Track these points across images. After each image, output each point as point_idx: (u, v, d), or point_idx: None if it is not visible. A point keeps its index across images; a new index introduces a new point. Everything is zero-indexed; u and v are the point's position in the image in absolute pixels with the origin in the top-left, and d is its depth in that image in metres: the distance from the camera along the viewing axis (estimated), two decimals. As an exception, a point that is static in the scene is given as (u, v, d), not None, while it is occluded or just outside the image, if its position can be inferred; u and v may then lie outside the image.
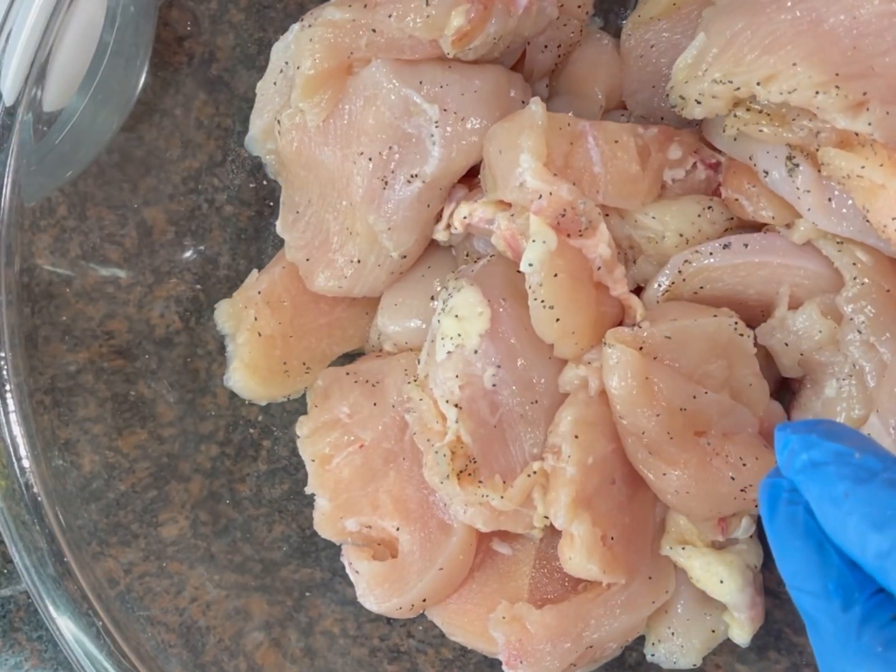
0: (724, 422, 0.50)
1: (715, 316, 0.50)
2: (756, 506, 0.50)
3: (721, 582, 0.51)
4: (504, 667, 0.51)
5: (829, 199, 0.49)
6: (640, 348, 0.48)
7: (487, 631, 0.51)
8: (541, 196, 0.48)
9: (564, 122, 0.50)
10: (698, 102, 0.49)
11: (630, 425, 0.48)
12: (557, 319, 0.49)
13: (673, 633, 0.54)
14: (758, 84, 0.47)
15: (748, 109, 0.48)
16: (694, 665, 0.54)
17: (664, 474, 0.49)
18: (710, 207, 0.52)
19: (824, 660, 0.33)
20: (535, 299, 0.49)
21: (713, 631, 0.54)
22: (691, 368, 0.49)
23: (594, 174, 0.50)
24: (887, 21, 0.46)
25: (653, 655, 0.54)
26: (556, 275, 0.48)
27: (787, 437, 0.35)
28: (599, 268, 0.50)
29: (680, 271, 0.51)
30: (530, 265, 0.48)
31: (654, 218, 0.52)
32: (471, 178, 0.53)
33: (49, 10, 0.49)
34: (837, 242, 0.49)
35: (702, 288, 0.52)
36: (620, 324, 0.51)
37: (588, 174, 0.50)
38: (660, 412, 0.48)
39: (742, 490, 0.49)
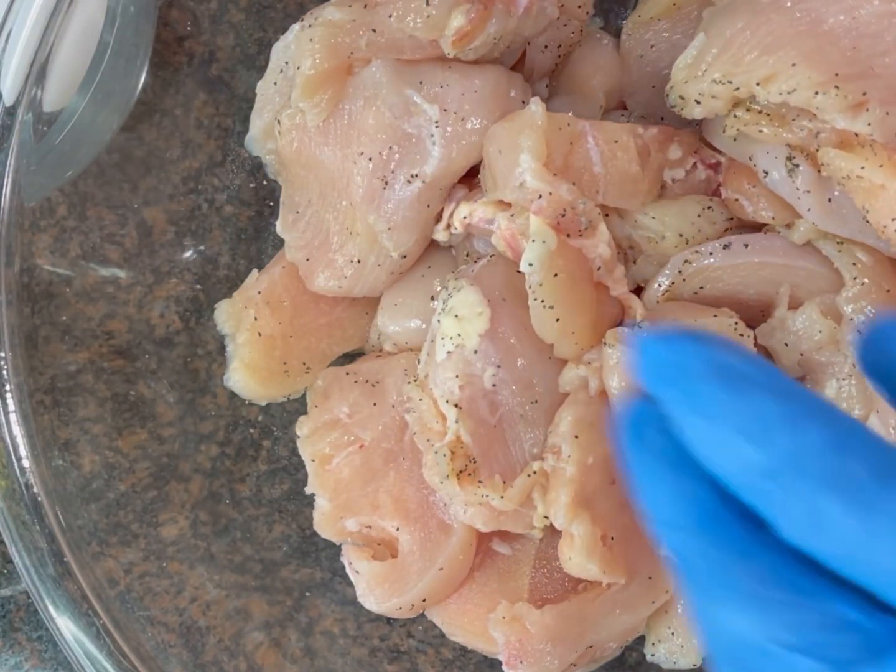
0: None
1: (715, 316, 0.50)
2: None
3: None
4: (504, 667, 0.51)
5: (829, 200, 0.49)
6: (641, 348, 0.48)
7: (487, 631, 0.51)
8: (540, 196, 0.48)
9: (564, 122, 0.50)
10: (698, 102, 0.49)
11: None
12: (557, 319, 0.49)
13: (673, 633, 0.54)
14: (757, 84, 0.46)
15: (748, 110, 0.48)
16: (694, 665, 0.54)
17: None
18: (709, 207, 0.52)
19: (696, 602, 0.29)
20: (535, 299, 0.49)
21: (713, 631, 0.54)
22: (692, 368, 0.49)
23: (594, 174, 0.50)
24: (887, 21, 0.46)
25: (653, 655, 0.54)
26: (556, 275, 0.48)
27: (651, 345, 0.30)
28: (599, 268, 0.49)
29: (680, 271, 0.51)
30: (530, 265, 0.48)
31: (653, 218, 0.52)
32: (471, 178, 0.53)
33: (49, 10, 0.49)
34: (838, 242, 0.49)
35: (702, 288, 0.52)
36: (620, 324, 0.51)
37: (588, 174, 0.50)
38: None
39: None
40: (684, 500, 0.29)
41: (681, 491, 0.30)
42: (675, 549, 0.30)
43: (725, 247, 0.51)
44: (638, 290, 0.53)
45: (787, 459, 0.27)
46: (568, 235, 0.49)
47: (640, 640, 0.55)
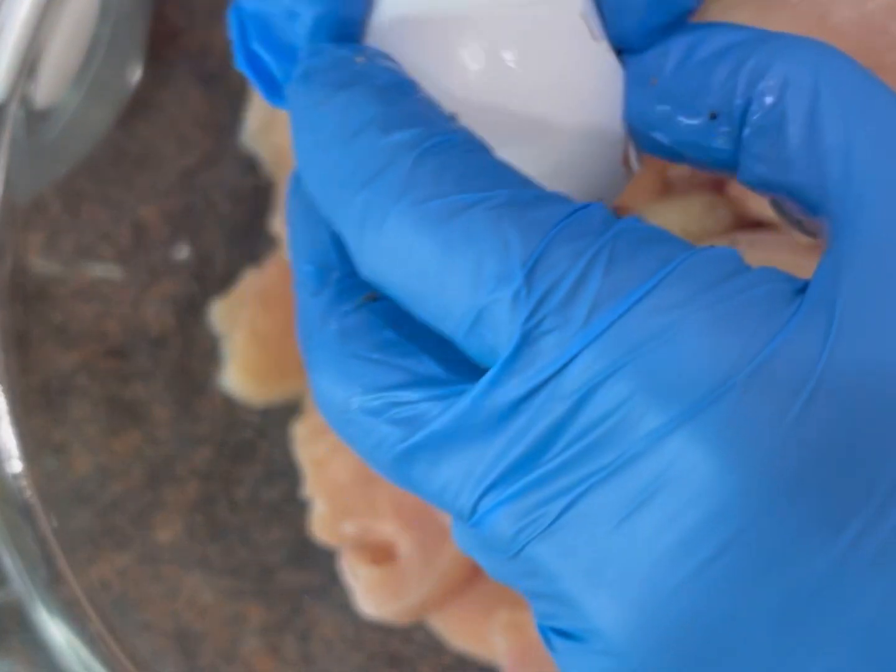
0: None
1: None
2: None
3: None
4: (505, 673, 0.51)
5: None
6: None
7: (488, 637, 0.51)
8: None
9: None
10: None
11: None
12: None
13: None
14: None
15: (754, 105, 0.48)
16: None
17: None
18: (715, 205, 0.52)
19: (304, 351, 0.28)
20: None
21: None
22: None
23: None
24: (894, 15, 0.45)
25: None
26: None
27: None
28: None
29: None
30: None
31: (657, 216, 0.51)
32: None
33: (41, 3, 0.49)
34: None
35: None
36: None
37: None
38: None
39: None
40: (308, 245, 0.29)
41: (309, 234, 0.29)
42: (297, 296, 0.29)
43: (731, 244, 0.50)
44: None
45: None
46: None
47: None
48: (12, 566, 0.50)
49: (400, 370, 0.25)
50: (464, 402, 0.24)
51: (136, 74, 0.55)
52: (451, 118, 0.26)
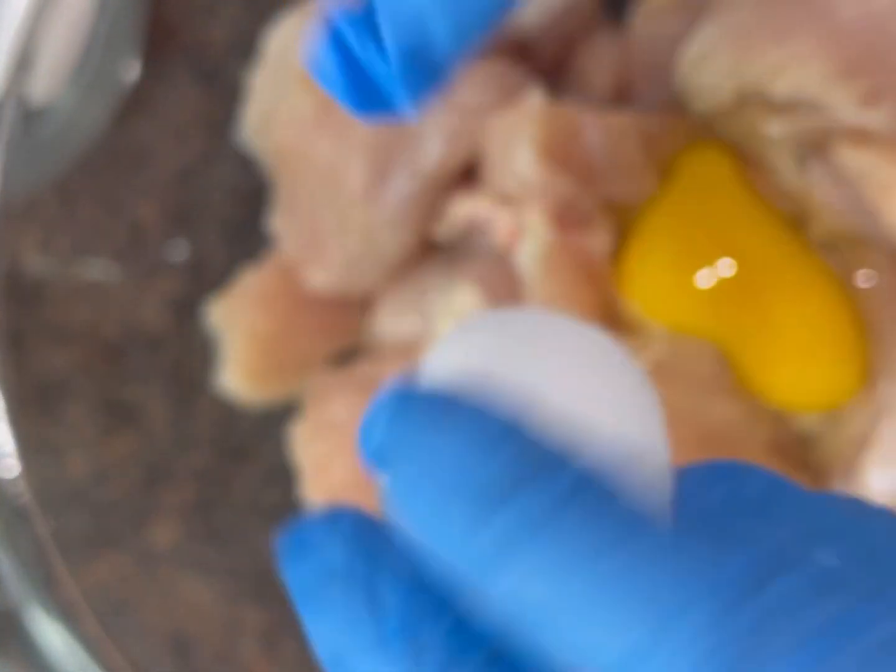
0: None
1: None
2: None
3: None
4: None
5: (840, 198, 0.48)
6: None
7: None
8: (540, 190, 0.47)
9: (564, 114, 0.49)
10: (704, 96, 0.48)
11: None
12: (556, 316, 0.48)
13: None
14: (765, 77, 0.46)
15: (757, 104, 0.48)
16: None
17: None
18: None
19: None
20: (533, 296, 0.48)
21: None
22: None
23: (595, 167, 0.49)
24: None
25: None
26: (554, 269, 0.47)
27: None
28: (601, 263, 0.49)
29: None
30: (528, 260, 0.48)
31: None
32: (471, 173, 0.53)
33: (37, 1, 0.49)
34: (850, 245, 0.49)
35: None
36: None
37: (589, 167, 0.49)
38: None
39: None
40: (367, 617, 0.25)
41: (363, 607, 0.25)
42: None
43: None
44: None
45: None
46: (568, 230, 0.48)
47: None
48: (8, 568, 0.50)
49: None
50: None
51: (132, 72, 0.55)
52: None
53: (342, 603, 0.25)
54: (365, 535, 0.27)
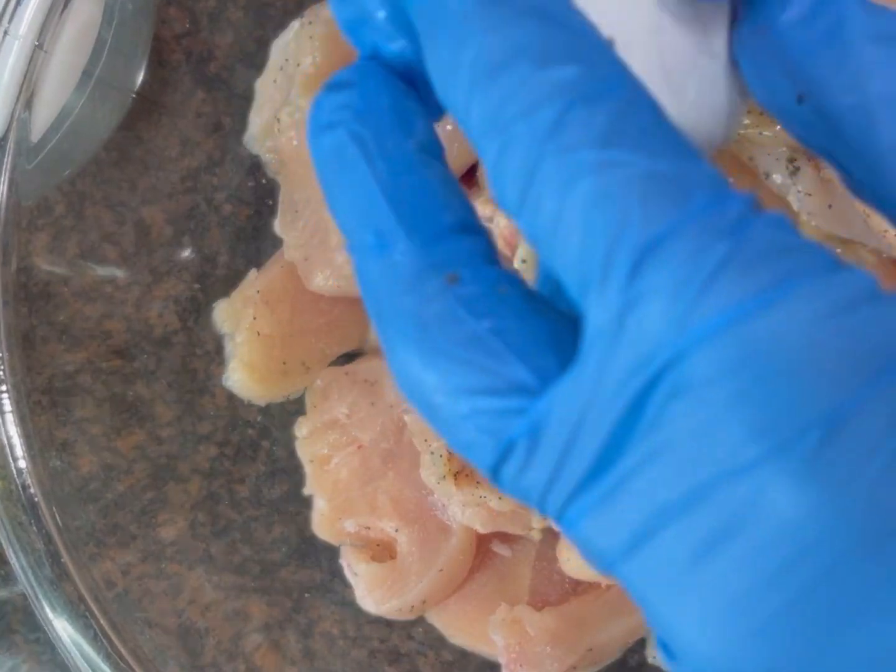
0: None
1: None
2: None
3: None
4: (504, 670, 0.50)
5: (830, 206, 0.48)
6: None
7: (487, 633, 0.51)
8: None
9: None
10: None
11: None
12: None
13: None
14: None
15: (749, 112, 0.48)
16: (695, 668, 0.54)
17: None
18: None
19: (377, 326, 0.25)
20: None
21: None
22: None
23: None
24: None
25: (654, 658, 0.54)
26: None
27: None
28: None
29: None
30: (523, 262, 0.48)
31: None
32: (470, 176, 0.53)
33: (46, 6, 0.49)
34: (841, 242, 0.49)
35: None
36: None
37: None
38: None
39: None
40: (364, 202, 0.25)
41: (361, 191, 0.25)
42: (360, 270, 0.25)
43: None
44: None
45: (519, 101, 0.22)
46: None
47: (642, 642, 0.54)
48: (17, 563, 0.50)
49: (486, 373, 0.23)
50: (547, 403, 0.22)
51: (139, 77, 0.55)
52: (609, 45, 0.24)
53: (356, 178, 0.25)
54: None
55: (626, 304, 0.21)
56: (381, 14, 0.26)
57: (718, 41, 0.27)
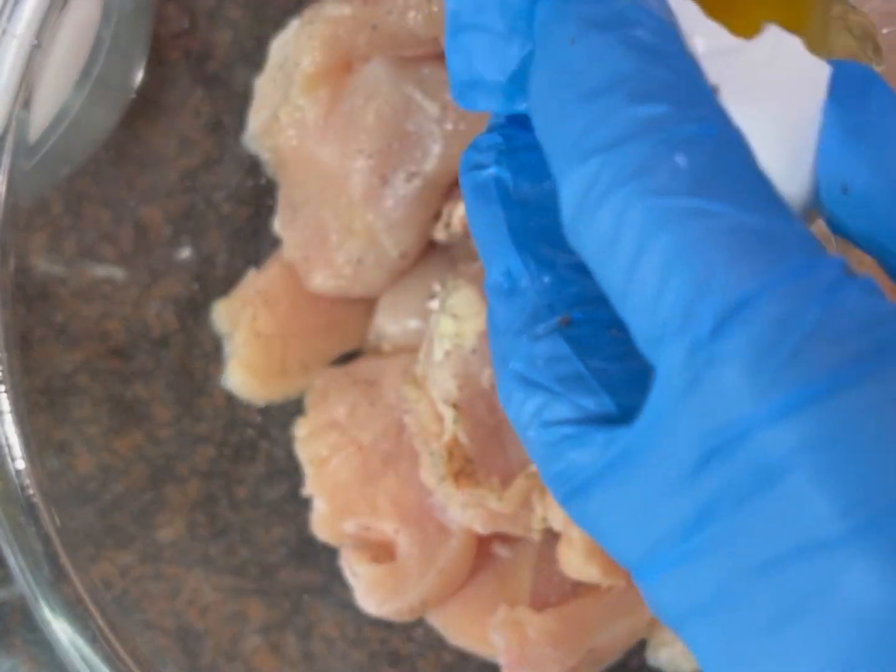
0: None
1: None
2: None
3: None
4: (504, 671, 0.51)
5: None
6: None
7: (488, 634, 0.51)
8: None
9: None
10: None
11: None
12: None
13: (675, 638, 0.53)
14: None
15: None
16: (696, 670, 0.54)
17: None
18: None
19: (493, 354, 0.27)
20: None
21: (716, 635, 0.53)
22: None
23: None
24: (885, 22, 0.46)
25: (655, 660, 0.54)
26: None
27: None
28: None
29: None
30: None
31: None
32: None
33: (44, 6, 0.49)
34: (843, 246, 0.49)
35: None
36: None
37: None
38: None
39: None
40: (497, 241, 0.27)
41: (496, 227, 0.27)
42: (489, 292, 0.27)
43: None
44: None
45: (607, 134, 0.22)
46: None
47: (642, 644, 0.55)
48: (15, 565, 0.50)
49: (579, 408, 0.25)
50: (630, 440, 0.23)
51: (138, 76, 0.55)
52: (713, 91, 0.24)
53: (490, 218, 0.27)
54: None
55: (705, 362, 0.21)
56: (500, 78, 0.26)
57: (814, 111, 0.27)
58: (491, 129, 0.28)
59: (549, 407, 0.25)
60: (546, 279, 0.26)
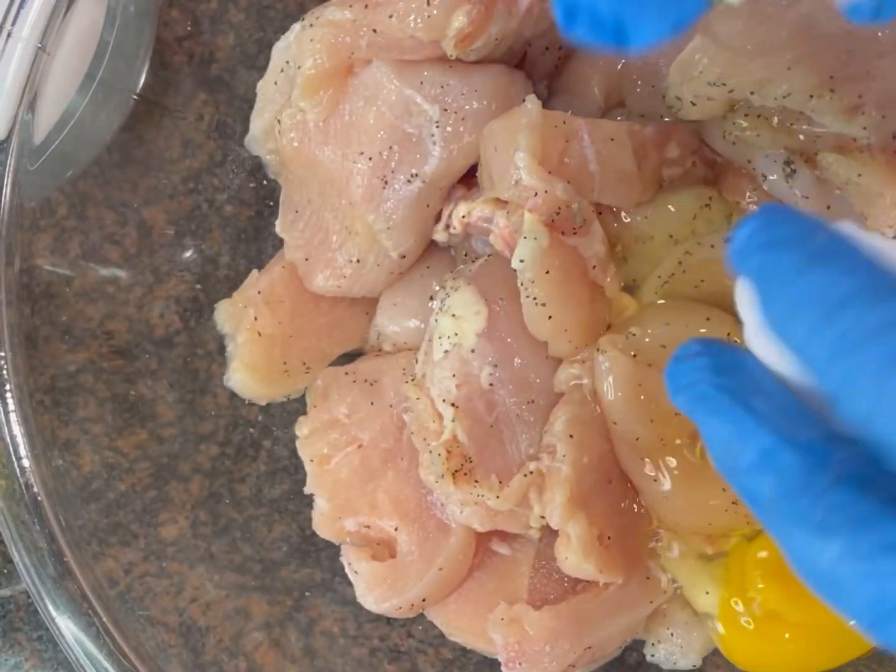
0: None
1: (708, 319, 0.50)
2: (748, 522, 0.50)
3: (707, 593, 0.51)
4: (503, 668, 0.51)
5: (829, 207, 0.49)
6: (634, 355, 0.49)
7: (487, 631, 0.51)
8: (536, 194, 0.48)
9: (560, 120, 0.49)
10: (694, 104, 0.49)
11: (623, 431, 0.48)
12: (550, 317, 0.49)
13: (672, 634, 0.54)
14: (752, 87, 0.46)
15: (746, 115, 0.48)
16: (694, 666, 0.54)
17: (654, 480, 0.49)
18: (707, 205, 0.52)
19: (771, 529, 0.31)
20: (527, 296, 0.49)
21: (713, 632, 0.54)
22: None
23: (589, 172, 0.50)
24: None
25: (653, 656, 0.54)
26: (547, 272, 0.48)
27: (747, 222, 0.33)
28: (594, 266, 0.50)
29: (680, 262, 0.51)
30: (521, 262, 0.48)
31: (645, 218, 0.52)
32: (470, 177, 0.53)
33: (49, 9, 0.49)
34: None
35: (702, 281, 0.51)
36: (609, 326, 0.51)
37: (583, 172, 0.50)
38: (653, 418, 0.48)
39: (734, 503, 0.49)
40: (743, 433, 0.30)
41: (737, 423, 0.31)
42: (748, 491, 0.31)
43: (727, 240, 0.51)
44: (628, 290, 0.53)
45: (861, 332, 0.28)
46: (562, 233, 0.49)
47: (640, 640, 0.55)
48: (20, 562, 0.50)
49: (875, 542, 0.27)
50: None
51: (141, 79, 0.55)
52: None
53: (727, 416, 0.31)
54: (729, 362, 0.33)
55: None
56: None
57: None
58: (684, 357, 0.33)
59: (851, 544, 0.28)
60: (804, 446, 0.30)
